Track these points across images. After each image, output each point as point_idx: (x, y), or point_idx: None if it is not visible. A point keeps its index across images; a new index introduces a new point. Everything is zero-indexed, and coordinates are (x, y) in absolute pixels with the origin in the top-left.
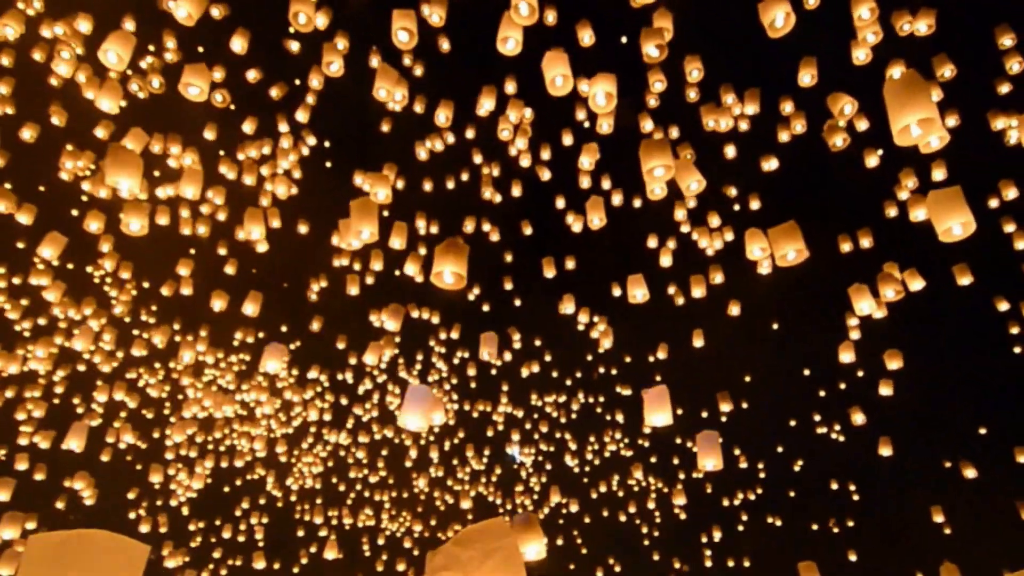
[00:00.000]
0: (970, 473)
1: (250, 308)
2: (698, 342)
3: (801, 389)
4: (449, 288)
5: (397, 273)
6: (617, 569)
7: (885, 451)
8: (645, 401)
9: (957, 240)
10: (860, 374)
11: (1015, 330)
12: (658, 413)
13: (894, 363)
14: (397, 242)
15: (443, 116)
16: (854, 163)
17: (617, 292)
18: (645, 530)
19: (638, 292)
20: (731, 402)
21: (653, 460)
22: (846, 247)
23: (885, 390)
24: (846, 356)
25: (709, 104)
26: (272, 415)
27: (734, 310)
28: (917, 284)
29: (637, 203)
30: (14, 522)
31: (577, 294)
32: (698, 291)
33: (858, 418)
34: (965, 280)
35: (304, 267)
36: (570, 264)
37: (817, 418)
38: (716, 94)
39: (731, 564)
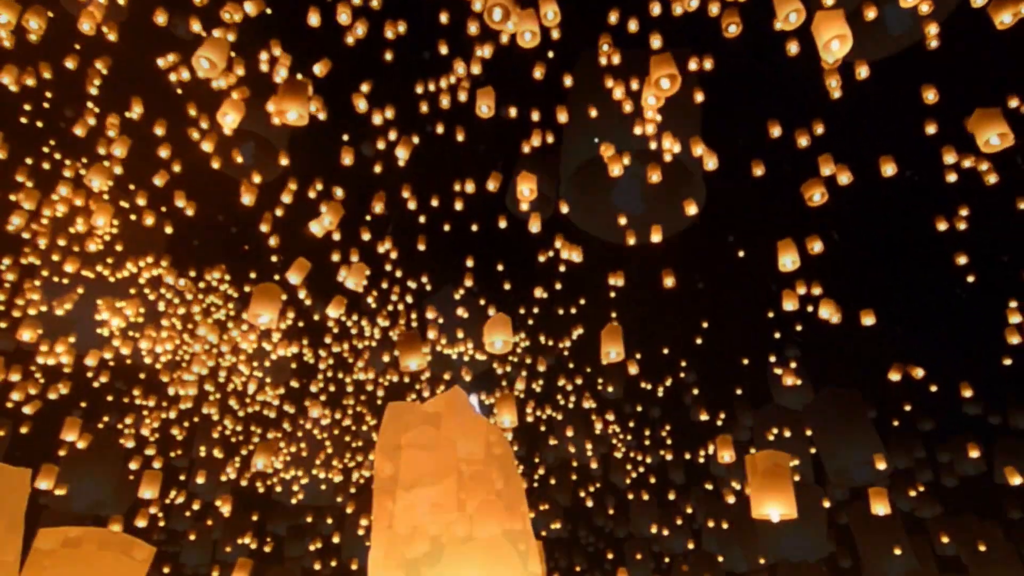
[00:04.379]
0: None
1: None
2: (655, 236)
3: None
4: (295, 125)
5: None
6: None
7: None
8: (486, 326)
9: (838, 59)
10: (809, 309)
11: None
12: (497, 336)
13: (828, 310)
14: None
15: None
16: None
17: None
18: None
19: (525, 188)
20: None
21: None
22: (776, 131)
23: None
24: (788, 304)
25: None
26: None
27: (690, 209)
28: (845, 178)
29: (593, 113)
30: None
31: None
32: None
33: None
34: (889, 170)
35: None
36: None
37: (772, 359)
38: None
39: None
